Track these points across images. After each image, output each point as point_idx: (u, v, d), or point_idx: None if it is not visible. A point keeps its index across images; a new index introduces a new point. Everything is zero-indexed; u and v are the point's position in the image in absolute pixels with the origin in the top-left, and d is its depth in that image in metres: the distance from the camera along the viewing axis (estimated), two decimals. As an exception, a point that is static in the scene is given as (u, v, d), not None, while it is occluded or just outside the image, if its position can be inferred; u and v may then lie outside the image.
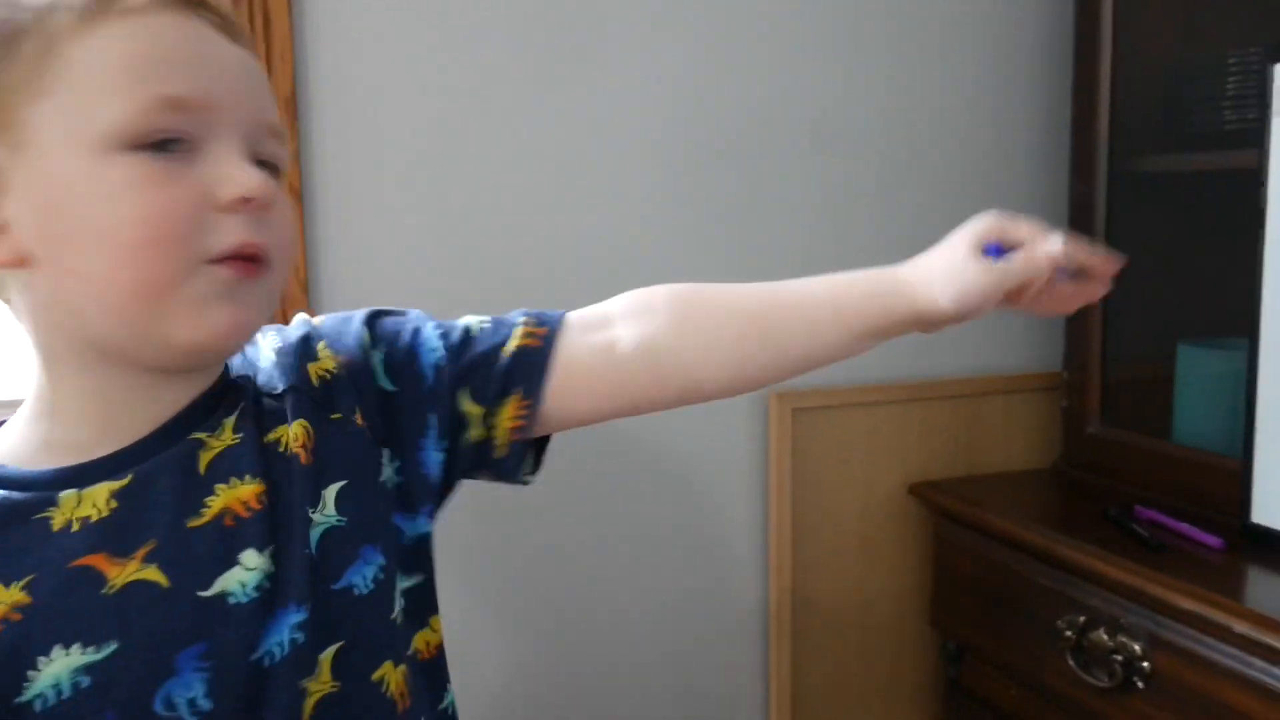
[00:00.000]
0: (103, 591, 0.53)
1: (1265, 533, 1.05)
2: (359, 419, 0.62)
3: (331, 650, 0.57)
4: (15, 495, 0.54)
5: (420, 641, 0.65)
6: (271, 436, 0.59)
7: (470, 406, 0.64)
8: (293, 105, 1.15)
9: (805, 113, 1.36)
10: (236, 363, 0.63)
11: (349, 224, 1.19)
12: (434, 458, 0.64)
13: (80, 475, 0.55)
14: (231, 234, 0.54)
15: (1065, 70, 1.36)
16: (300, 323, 0.66)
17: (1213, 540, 1.10)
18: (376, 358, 0.64)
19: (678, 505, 1.37)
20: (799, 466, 1.39)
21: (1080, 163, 1.33)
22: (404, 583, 0.63)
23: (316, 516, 0.58)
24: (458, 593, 1.20)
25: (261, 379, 0.62)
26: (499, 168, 1.24)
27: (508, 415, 0.64)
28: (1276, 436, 1.04)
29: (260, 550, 0.56)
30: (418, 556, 0.65)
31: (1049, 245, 0.63)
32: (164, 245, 0.52)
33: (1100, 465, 1.33)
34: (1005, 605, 1.25)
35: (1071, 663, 1.11)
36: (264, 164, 0.57)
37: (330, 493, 0.59)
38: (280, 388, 0.61)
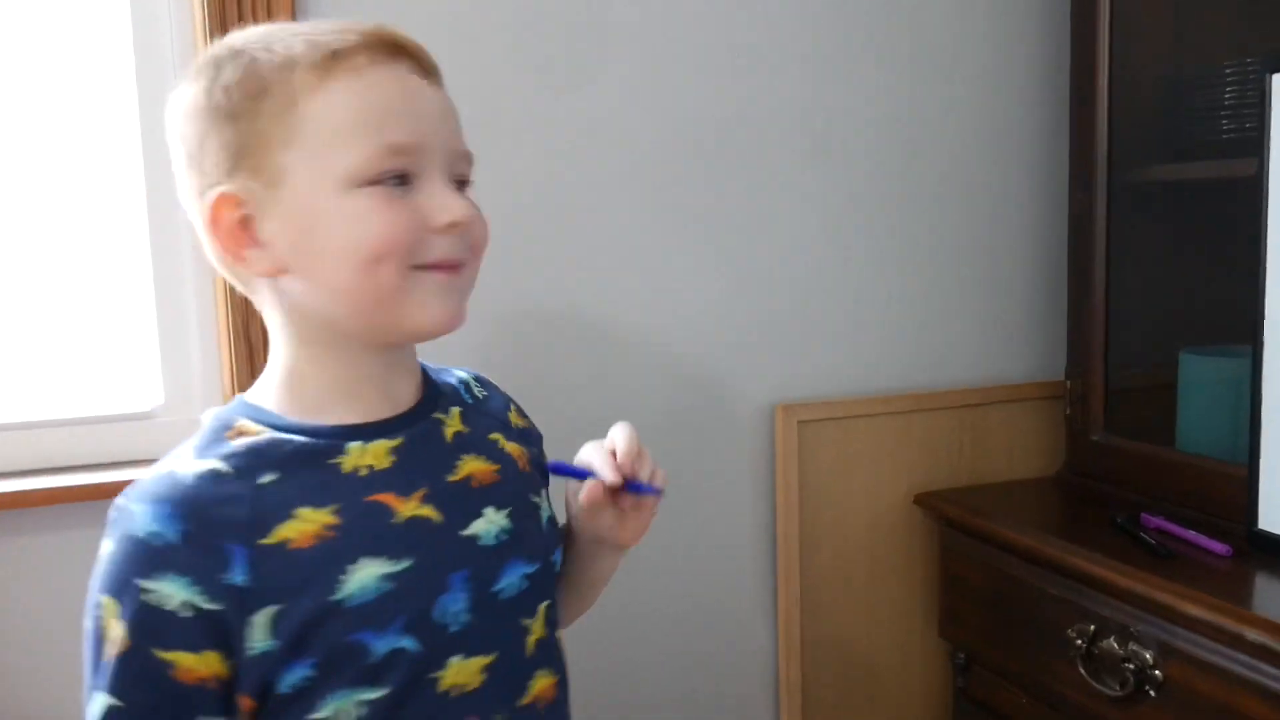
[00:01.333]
0: (392, 521, 0.67)
1: (1272, 539, 1.06)
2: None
3: (545, 604, 0.74)
4: (311, 441, 0.68)
5: None
6: (493, 437, 0.76)
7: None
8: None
9: (807, 122, 1.37)
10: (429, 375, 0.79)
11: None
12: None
13: (361, 432, 0.69)
14: (440, 251, 0.67)
15: (1064, 81, 1.37)
16: (494, 384, 0.84)
17: (1220, 547, 1.11)
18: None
19: (685, 516, 1.37)
20: (805, 477, 1.39)
21: (1080, 173, 1.33)
22: None
23: (543, 505, 0.77)
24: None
25: (468, 397, 0.78)
26: (499, 170, 1.24)
27: None
28: (1281, 443, 1.05)
29: (498, 509, 0.72)
30: None
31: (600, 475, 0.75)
32: (391, 260, 0.65)
33: (1104, 473, 1.34)
34: (1013, 614, 1.25)
35: (1082, 671, 1.12)
36: (460, 182, 0.70)
37: (544, 493, 0.78)
38: (501, 418, 0.79)
